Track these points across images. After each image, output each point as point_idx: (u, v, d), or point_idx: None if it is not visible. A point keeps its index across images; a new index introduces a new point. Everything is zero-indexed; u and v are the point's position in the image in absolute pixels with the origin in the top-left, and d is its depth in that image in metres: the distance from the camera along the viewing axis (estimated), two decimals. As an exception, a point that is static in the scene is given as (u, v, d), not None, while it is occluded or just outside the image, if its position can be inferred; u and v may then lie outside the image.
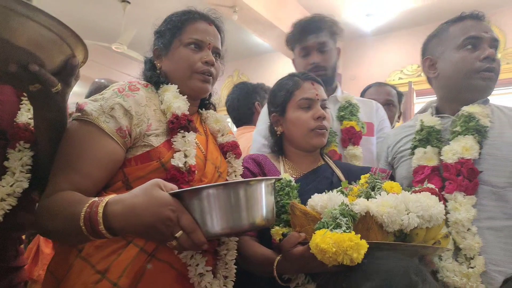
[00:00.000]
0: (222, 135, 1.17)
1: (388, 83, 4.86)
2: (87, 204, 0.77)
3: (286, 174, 1.13)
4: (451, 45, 1.25)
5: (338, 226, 0.83)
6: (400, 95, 2.32)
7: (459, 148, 1.14)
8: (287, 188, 1.08)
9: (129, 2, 4.56)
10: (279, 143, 1.28)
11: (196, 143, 1.05)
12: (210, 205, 0.77)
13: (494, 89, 1.23)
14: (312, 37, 1.60)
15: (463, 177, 1.12)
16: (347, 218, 0.84)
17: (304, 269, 0.95)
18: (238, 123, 2.17)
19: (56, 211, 0.81)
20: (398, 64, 4.93)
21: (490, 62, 1.18)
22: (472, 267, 1.04)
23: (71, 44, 0.76)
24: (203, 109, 1.21)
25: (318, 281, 0.98)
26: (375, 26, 4.83)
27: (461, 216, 1.08)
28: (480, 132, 1.15)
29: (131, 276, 0.87)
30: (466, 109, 1.20)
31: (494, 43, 1.22)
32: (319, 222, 0.87)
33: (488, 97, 1.25)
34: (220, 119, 1.19)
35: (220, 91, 6.15)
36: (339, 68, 1.77)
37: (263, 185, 0.84)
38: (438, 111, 1.32)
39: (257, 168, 1.20)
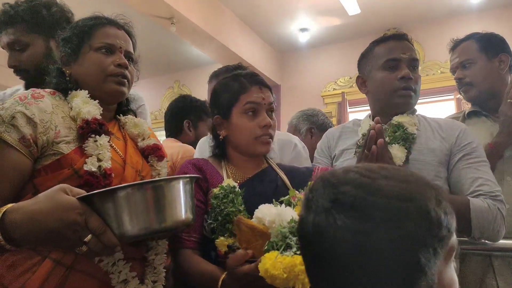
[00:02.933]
0: (143, 139, 1.15)
1: (324, 93, 5.15)
2: None
3: (230, 180, 1.08)
4: (376, 65, 1.37)
5: (288, 247, 0.80)
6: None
7: (400, 156, 1.25)
8: (231, 195, 1.02)
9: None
10: (222, 147, 1.22)
11: (113, 148, 1.02)
12: (121, 206, 0.75)
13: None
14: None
15: None
16: (297, 238, 0.80)
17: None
18: (167, 134, 2.12)
19: None
20: (331, 76, 5.19)
21: (406, 82, 1.31)
22: None
23: None
24: (121, 115, 1.17)
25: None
26: (309, 40, 5.06)
27: None
28: (407, 140, 1.27)
29: None
30: (396, 119, 1.33)
31: (413, 63, 1.35)
32: (268, 242, 0.84)
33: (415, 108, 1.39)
34: (139, 123, 1.16)
35: (160, 102, 6.04)
36: (279, 79, 1.82)
37: (176, 183, 0.83)
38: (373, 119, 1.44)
39: (197, 173, 1.13)
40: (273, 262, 0.77)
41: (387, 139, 1.27)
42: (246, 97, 1.15)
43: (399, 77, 1.31)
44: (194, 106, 2.09)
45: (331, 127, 2.19)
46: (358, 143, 1.38)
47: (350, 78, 4.99)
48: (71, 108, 1.00)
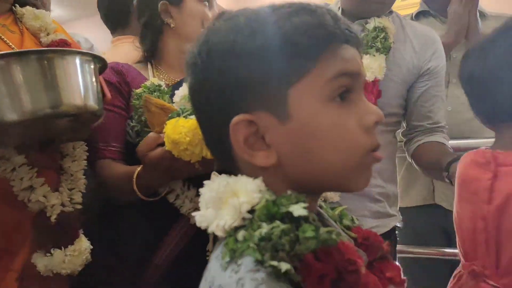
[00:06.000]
0: (47, 34, 0.99)
1: None
2: None
3: (154, 79, 0.96)
4: None
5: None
6: None
7: (375, 66, 1.07)
8: (155, 93, 0.90)
9: None
10: (156, 42, 1.07)
11: (4, 41, 0.90)
12: None
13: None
14: None
15: (374, 98, 1.07)
16: None
17: (168, 176, 0.83)
18: (112, 27, 1.65)
19: None
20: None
21: None
22: None
23: None
24: (17, 5, 1.00)
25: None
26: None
27: None
28: (387, 49, 1.10)
29: None
30: (381, 21, 1.11)
31: None
32: (173, 112, 0.75)
33: None
34: (41, 15, 1.00)
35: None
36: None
37: (72, 58, 0.72)
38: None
39: (115, 77, 1.01)
40: (173, 126, 0.68)
41: (378, 44, 1.09)
42: None
43: None
44: None
45: None
46: None
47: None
48: None
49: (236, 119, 0.44)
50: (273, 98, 0.44)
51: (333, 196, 0.97)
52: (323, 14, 0.44)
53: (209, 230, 0.45)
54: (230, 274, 0.40)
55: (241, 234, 0.42)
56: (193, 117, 0.69)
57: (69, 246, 0.90)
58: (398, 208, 1.20)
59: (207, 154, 0.67)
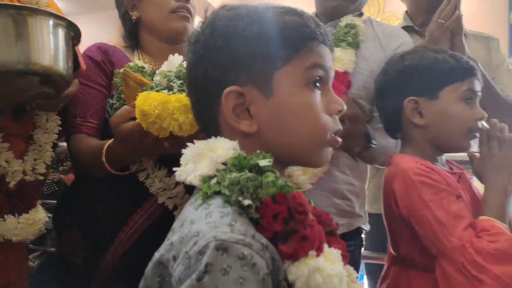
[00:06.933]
0: (36, 3, 0.97)
1: None
2: None
3: (139, 61, 0.95)
4: None
5: (169, 89, 0.71)
6: None
7: (346, 58, 1.10)
8: (138, 74, 0.90)
9: None
10: (135, 33, 1.09)
11: None
12: None
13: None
14: None
15: (345, 88, 1.07)
16: (182, 81, 0.72)
17: (138, 150, 0.82)
18: None
19: None
20: None
21: None
22: None
23: None
24: None
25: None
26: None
27: None
28: (357, 46, 1.12)
29: None
30: (352, 19, 1.14)
31: None
32: (147, 86, 0.76)
33: None
34: None
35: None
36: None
37: (44, 19, 0.72)
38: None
39: (101, 56, 1.01)
40: (145, 98, 0.68)
41: (350, 39, 1.12)
42: None
43: None
44: None
45: None
46: None
47: None
48: None
49: (229, 89, 0.53)
50: (261, 76, 0.53)
51: (305, 183, 0.98)
52: (308, 18, 0.56)
53: (187, 181, 0.50)
54: (201, 211, 0.47)
55: (214, 180, 0.48)
56: (165, 92, 0.69)
57: (23, 214, 0.88)
58: (365, 209, 1.18)
59: (175, 129, 0.68)
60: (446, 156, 0.96)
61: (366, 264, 1.47)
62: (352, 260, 1.13)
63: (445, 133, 0.87)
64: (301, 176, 1.03)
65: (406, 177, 0.81)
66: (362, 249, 1.28)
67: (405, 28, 1.45)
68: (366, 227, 1.16)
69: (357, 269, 1.22)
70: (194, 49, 0.57)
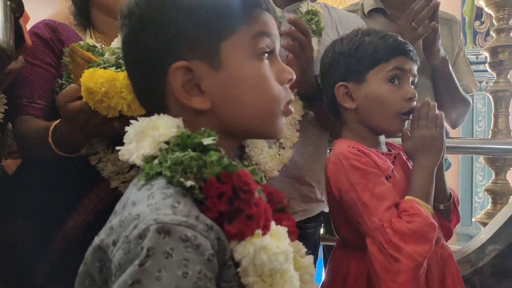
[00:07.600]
0: None
1: None
2: None
3: (91, 40, 0.92)
4: None
5: (118, 66, 0.68)
6: None
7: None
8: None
9: None
10: (85, 10, 1.02)
11: None
12: None
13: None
14: None
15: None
16: None
17: (86, 130, 0.77)
18: None
19: None
20: None
21: None
22: None
23: None
24: None
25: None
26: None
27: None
28: (320, 34, 1.11)
29: None
30: (313, 5, 1.12)
31: None
32: (94, 63, 0.72)
33: None
34: None
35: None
36: None
37: None
38: None
39: (49, 34, 0.95)
40: (91, 75, 0.65)
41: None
42: None
43: None
44: None
45: None
46: None
47: None
48: None
49: (176, 64, 0.49)
50: (208, 49, 0.50)
51: (272, 170, 1.02)
52: None
53: (130, 161, 0.49)
54: (144, 191, 0.45)
55: (156, 160, 0.46)
56: (113, 69, 0.66)
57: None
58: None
59: (124, 109, 0.65)
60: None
61: (325, 246, 1.51)
62: (313, 240, 1.18)
63: (374, 116, 0.87)
64: (268, 163, 1.06)
65: (337, 161, 0.83)
66: (322, 231, 1.31)
67: (375, 9, 1.40)
68: (326, 210, 1.19)
69: (317, 248, 1.26)
70: (129, 22, 0.52)
